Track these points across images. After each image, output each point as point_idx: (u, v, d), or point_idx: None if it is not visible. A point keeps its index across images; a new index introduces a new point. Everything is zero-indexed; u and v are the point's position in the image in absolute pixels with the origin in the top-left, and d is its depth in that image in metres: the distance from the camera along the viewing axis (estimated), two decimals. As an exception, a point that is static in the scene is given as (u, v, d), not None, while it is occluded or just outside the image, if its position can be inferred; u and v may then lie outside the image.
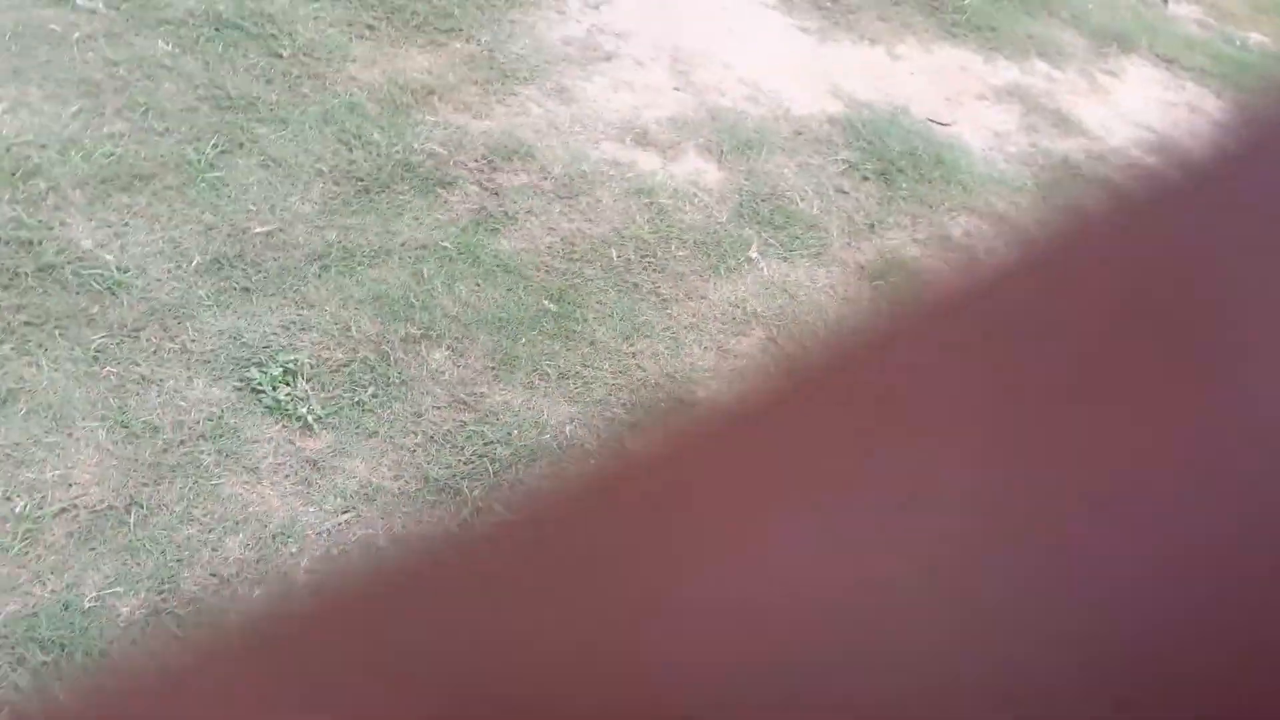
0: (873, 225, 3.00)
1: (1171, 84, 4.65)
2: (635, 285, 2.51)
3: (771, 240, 2.82)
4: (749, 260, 2.73)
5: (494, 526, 0.14)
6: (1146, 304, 0.11)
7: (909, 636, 0.10)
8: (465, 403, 2.09)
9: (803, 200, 3.02)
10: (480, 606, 0.12)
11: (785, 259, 2.77)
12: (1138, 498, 0.10)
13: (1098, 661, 0.10)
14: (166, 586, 1.67)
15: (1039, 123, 3.87)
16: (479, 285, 2.35)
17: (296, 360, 2.05)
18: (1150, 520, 0.10)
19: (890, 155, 3.33)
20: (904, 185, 3.21)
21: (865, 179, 3.20)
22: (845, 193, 3.11)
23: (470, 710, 0.12)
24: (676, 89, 3.37)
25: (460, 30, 3.27)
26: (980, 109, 3.85)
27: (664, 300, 2.50)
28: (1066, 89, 4.23)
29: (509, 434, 2.04)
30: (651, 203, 2.79)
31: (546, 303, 2.37)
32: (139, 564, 1.68)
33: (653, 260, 2.61)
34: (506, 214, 2.58)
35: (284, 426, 1.95)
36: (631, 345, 2.34)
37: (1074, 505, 0.10)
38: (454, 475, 1.93)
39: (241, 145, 2.55)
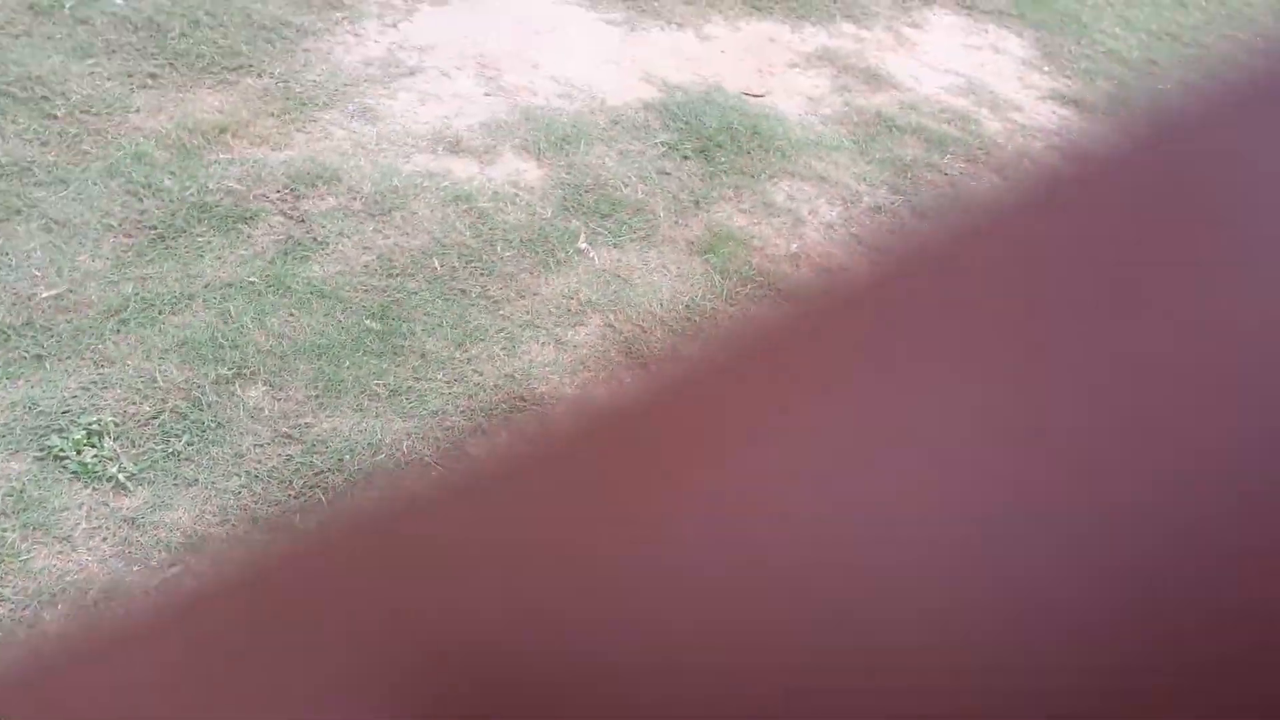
0: (698, 201, 3.01)
1: (974, 29, 4.85)
2: (463, 291, 2.45)
3: (599, 229, 2.80)
4: (579, 251, 2.70)
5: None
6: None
7: (907, 555, 0.10)
8: (290, 436, 1.99)
9: (626, 186, 3.01)
10: (435, 564, 0.13)
11: (615, 245, 2.76)
12: (1141, 408, 0.10)
13: (1107, 576, 0.10)
14: (-27, 681, 1.53)
15: (850, 82, 3.97)
16: (293, 315, 2.26)
17: (100, 420, 1.92)
18: (1154, 431, 0.10)
19: (708, 132, 3.36)
20: (724, 160, 3.24)
21: (686, 158, 3.22)
22: (667, 174, 3.12)
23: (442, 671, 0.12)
24: (487, 94, 3.33)
25: (250, 66, 3.16)
26: (792, 76, 3.93)
27: (495, 302, 2.45)
28: (874, 46, 4.36)
29: (340, 460, 1.96)
30: (471, 208, 2.74)
31: (369, 322, 2.29)
32: (-67, 662, 1.54)
33: (479, 264, 2.55)
34: (315, 240, 2.49)
35: (94, 490, 1.82)
36: (465, 351, 2.28)
37: (1074, 417, 0.10)
38: (284, 511, 1.84)
39: (19, 212, 2.40)
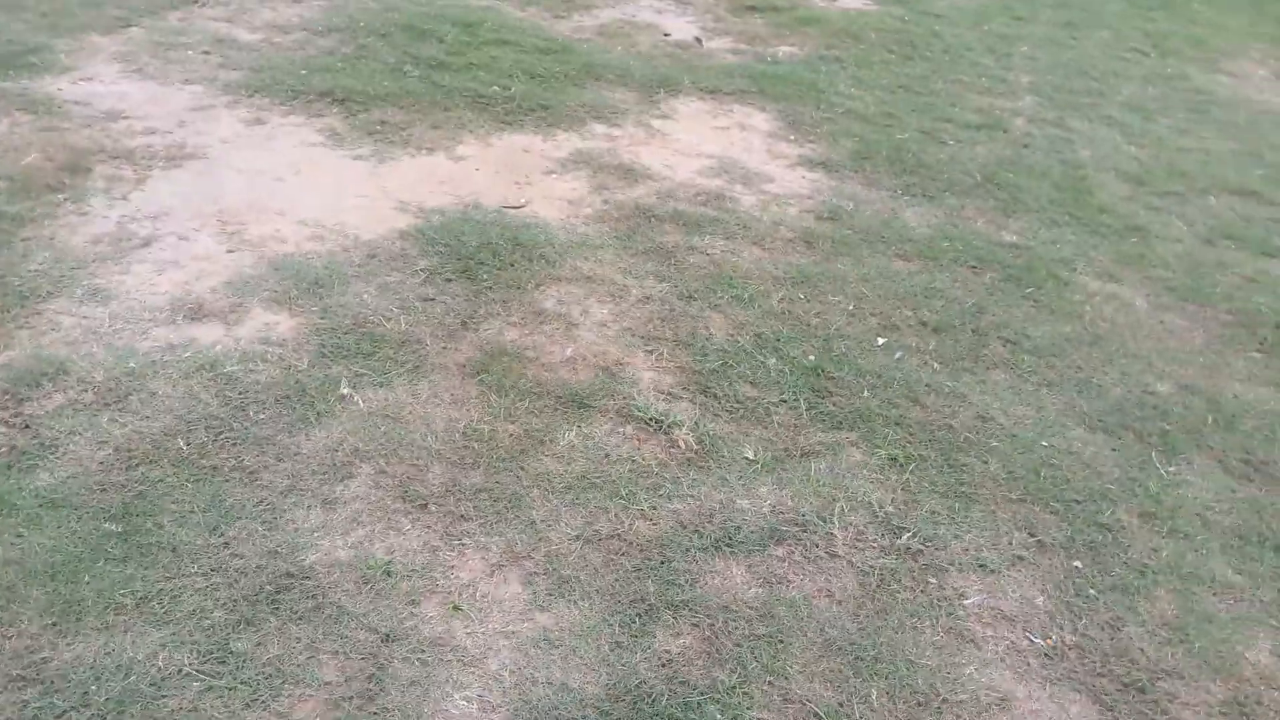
0: (464, 323, 2.97)
1: (720, 110, 5.07)
2: (214, 468, 2.30)
3: (363, 369, 2.71)
4: (341, 398, 2.59)
5: None
6: None
7: None
8: (24, 678, 1.78)
9: (389, 320, 2.94)
10: None
11: (382, 384, 2.67)
12: None
13: None
14: None
15: (607, 180, 4.06)
16: (21, 535, 2.05)
17: None
18: None
19: (469, 251, 3.33)
20: (488, 276, 3.22)
21: (449, 280, 3.18)
22: (431, 300, 3.06)
23: None
24: (230, 251, 3.20)
25: (-41, 264, 2.93)
26: (550, 183, 3.98)
27: (250, 473, 2.30)
28: (627, 142, 4.48)
29: (85, 694, 1.76)
30: (217, 375, 2.60)
31: (108, 525, 2.10)
32: None
33: (230, 435, 2.41)
34: (43, 445, 2.28)
35: None
36: (221, 535, 2.12)
37: None
38: (16, 768, 1.63)
39: None
